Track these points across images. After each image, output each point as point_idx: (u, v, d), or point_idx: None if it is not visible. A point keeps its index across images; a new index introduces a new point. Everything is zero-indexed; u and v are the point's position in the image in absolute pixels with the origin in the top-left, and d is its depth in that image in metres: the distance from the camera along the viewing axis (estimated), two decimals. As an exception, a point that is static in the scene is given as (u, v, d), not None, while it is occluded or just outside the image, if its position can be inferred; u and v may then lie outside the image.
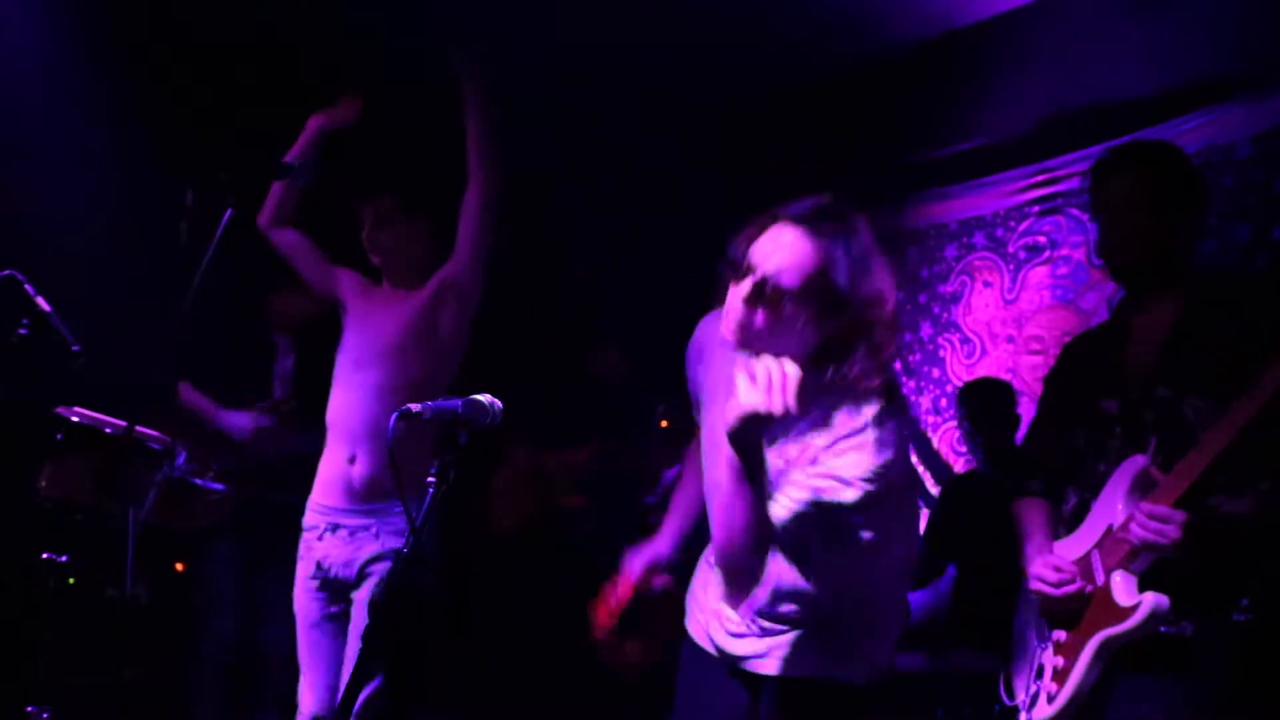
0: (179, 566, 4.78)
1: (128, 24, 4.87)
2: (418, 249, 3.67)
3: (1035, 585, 2.58)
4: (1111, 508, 2.49)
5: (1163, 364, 2.53)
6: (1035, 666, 2.60)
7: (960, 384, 5.05)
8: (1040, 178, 4.99)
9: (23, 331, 3.55)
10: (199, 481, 4.14)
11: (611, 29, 5.07)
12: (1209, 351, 2.45)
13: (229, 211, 3.18)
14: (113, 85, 4.84)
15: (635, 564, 2.67)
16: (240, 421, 4.17)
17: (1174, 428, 2.46)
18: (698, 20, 5.01)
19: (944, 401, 5.28)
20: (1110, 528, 2.47)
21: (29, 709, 3.53)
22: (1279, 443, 2.32)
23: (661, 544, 2.71)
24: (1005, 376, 4.96)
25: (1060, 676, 2.48)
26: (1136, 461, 2.47)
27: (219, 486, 4.14)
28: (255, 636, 4.23)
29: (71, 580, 3.66)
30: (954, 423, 5.19)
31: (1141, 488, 2.44)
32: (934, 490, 5.21)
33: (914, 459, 5.38)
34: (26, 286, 3.60)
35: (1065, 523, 2.66)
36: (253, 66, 5.19)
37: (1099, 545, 2.49)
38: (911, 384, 5.48)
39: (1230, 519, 2.36)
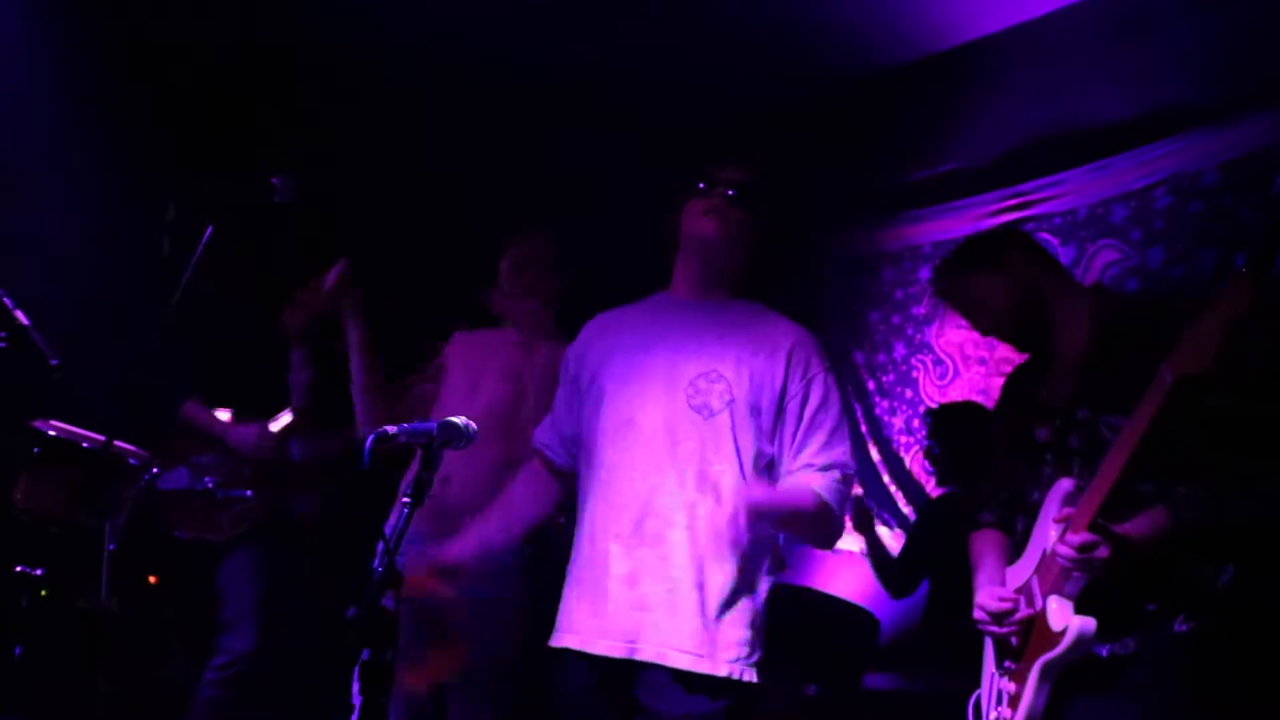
0: (152, 579, 4.78)
1: (111, 34, 4.88)
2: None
3: (979, 615, 2.64)
4: (1044, 533, 2.54)
5: (1080, 387, 2.59)
6: (995, 693, 2.65)
7: (932, 405, 5.09)
8: (1012, 201, 5.04)
9: (1, 345, 3.56)
10: (222, 493, 4.17)
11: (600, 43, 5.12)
12: (1121, 371, 2.49)
13: (209, 228, 3.21)
14: (94, 96, 4.84)
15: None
16: (247, 435, 4.19)
17: (1095, 449, 2.51)
18: (675, 40, 5.06)
19: (916, 422, 5.32)
20: (1045, 552, 2.52)
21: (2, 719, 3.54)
22: (1185, 449, 2.37)
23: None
24: (977, 398, 5.01)
25: (1013, 702, 2.54)
26: (1063, 485, 2.53)
27: (245, 494, 4.17)
28: (268, 649, 4.23)
29: (45, 593, 3.67)
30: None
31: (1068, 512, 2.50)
32: (905, 510, 5.25)
33: (885, 478, 5.44)
34: (5, 299, 3.61)
35: (1013, 552, 2.71)
36: (237, 78, 5.21)
37: (1036, 571, 2.55)
38: (885, 404, 5.53)
39: (1142, 533, 2.39)
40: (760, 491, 2.57)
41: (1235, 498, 2.40)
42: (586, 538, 2.69)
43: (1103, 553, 2.36)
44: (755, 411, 2.63)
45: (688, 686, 2.51)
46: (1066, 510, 2.47)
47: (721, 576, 2.55)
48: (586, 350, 2.87)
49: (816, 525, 2.65)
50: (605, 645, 2.57)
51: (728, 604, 2.55)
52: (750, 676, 2.54)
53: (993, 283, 2.72)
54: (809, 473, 2.63)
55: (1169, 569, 2.44)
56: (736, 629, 2.54)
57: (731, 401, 2.61)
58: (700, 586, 2.54)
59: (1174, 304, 2.73)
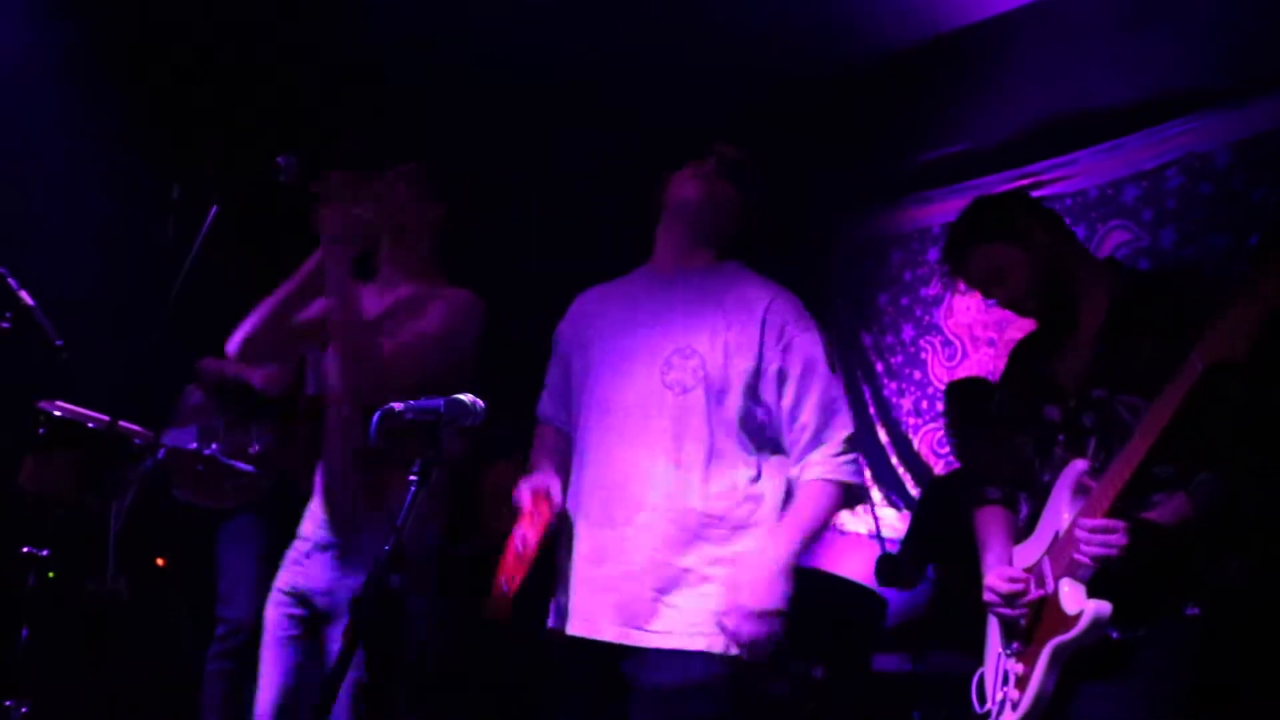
0: (160, 561, 4.78)
1: (116, 22, 4.87)
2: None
3: (989, 597, 2.61)
4: (1057, 514, 2.50)
5: (1095, 365, 2.54)
6: (1001, 673, 2.62)
7: (945, 384, 5.08)
8: (1022, 182, 5.00)
9: (5, 326, 3.55)
10: (228, 461, 4.17)
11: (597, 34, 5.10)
12: (1138, 349, 2.46)
13: (214, 208, 3.19)
14: (101, 81, 4.84)
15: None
16: (263, 372, 4.17)
17: (1111, 429, 2.47)
18: (681, 27, 5.03)
19: (925, 404, 5.31)
20: (1057, 534, 2.49)
21: (8, 703, 3.53)
22: (1208, 437, 2.33)
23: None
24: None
25: (1021, 683, 2.51)
26: (1077, 466, 2.49)
27: (248, 468, 4.16)
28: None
29: (51, 575, 3.67)
30: (934, 424, 5.22)
31: (1082, 492, 2.46)
32: (913, 491, 5.24)
33: (893, 460, 5.43)
34: (10, 281, 3.61)
35: (1020, 533, 2.68)
36: (241, 64, 5.20)
37: (1048, 552, 2.51)
38: (893, 385, 5.51)
39: (1167, 521, 2.37)
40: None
41: (1250, 492, 2.37)
42: (564, 519, 2.68)
43: (1121, 538, 2.33)
44: (730, 385, 2.58)
45: (665, 664, 2.48)
46: (1083, 492, 2.44)
47: (692, 556, 2.52)
48: (573, 329, 2.84)
49: (843, 508, 2.65)
50: (578, 627, 2.57)
51: (699, 582, 2.51)
52: (719, 648, 2.49)
53: (1011, 253, 2.64)
54: (815, 465, 2.59)
55: (1181, 557, 2.41)
56: (708, 605, 2.50)
57: (705, 377, 2.57)
58: (667, 567, 2.51)
59: (1193, 283, 2.67)
